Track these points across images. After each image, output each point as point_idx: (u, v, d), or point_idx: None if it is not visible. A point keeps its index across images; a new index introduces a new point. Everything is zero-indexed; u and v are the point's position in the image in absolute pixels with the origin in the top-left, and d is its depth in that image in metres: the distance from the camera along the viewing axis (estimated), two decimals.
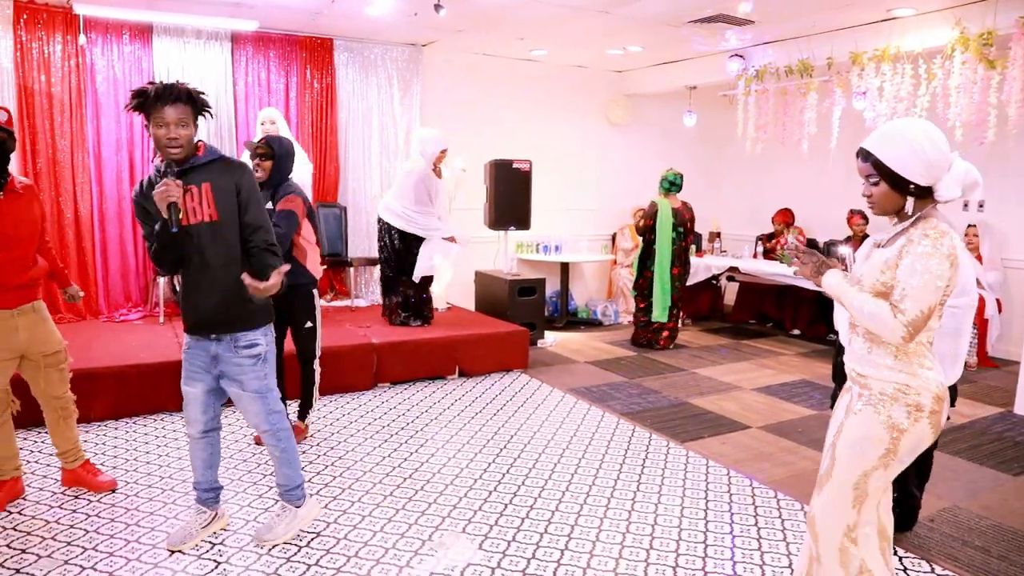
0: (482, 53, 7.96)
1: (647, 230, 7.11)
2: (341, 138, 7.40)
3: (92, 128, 6.37)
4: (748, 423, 4.94)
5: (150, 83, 2.74)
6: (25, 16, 6.05)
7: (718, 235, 8.94)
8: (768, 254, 8.16)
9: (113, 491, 3.60)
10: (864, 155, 2.16)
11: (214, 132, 6.79)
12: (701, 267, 8.03)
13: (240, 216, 2.88)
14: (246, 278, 2.73)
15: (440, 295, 7.11)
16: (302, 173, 5.75)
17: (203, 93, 2.82)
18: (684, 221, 7.05)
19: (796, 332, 7.89)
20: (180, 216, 2.72)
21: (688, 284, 7.90)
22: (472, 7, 6.05)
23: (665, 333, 7.17)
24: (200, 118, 2.83)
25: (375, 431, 4.62)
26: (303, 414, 4.41)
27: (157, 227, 2.76)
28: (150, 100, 2.69)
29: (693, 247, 8.53)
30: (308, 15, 6.41)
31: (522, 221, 7.32)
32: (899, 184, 2.11)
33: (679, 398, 5.49)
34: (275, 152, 4.01)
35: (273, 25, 6.80)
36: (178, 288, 3.01)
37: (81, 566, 2.92)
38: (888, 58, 6.06)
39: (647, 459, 4.22)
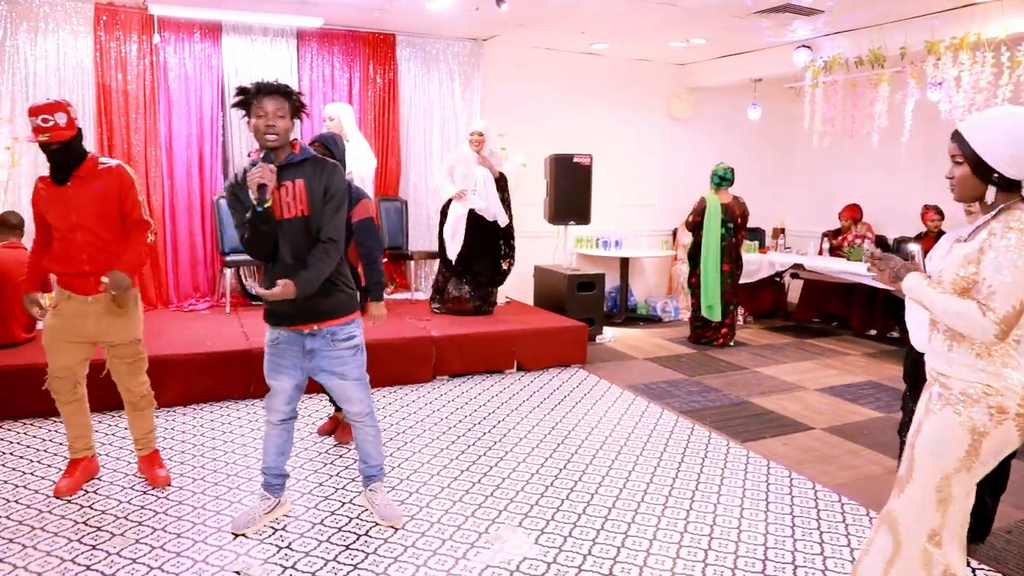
0: (543, 47, 7.94)
1: (695, 226, 7.01)
2: (403, 132, 7.48)
3: (164, 124, 6.58)
4: (811, 424, 4.82)
5: (251, 82, 2.91)
6: (104, 18, 6.28)
7: (782, 231, 8.74)
8: (834, 251, 7.93)
9: (166, 487, 3.61)
10: (956, 135, 2.08)
11: None
12: (764, 264, 7.86)
13: (320, 213, 2.98)
14: (258, 289, 2.88)
15: (499, 290, 7.12)
16: (365, 168, 5.83)
17: (301, 94, 2.98)
18: (734, 217, 6.93)
19: (872, 332, 7.63)
20: (269, 199, 2.82)
21: (750, 281, 7.78)
22: (534, 1, 6.03)
23: (723, 331, 7.05)
24: (295, 118, 2.95)
25: (433, 423, 4.67)
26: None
27: (248, 214, 2.85)
28: (251, 93, 2.85)
29: (756, 243, 8.39)
30: (371, 11, 6.49)
31: (582, 216, 7.28)
32: (981, 171, 2.02)
33: (740, 397, 5.40)
34: (335, 154, 3.97)
35: (337, 21, 6.91)
36: (259, 283, 3.10)
37: (151, 545, 3.03)
38: (967, 46, 5.81)
39: (706, 458, 4.16)
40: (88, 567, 2.86)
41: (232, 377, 4.97)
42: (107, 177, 3.31)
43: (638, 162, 8.72)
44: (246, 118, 2.91)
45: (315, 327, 3.02)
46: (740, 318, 7.99)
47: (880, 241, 7.72)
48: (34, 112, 3.19)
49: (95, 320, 3.35)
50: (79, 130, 3.27)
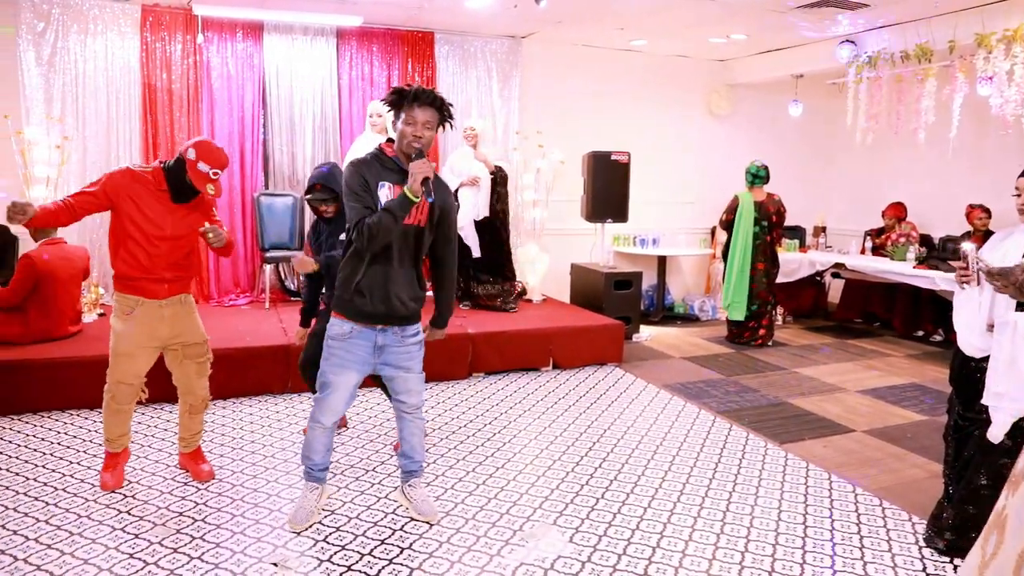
0: (581, 44, 7.91)
1: (728, 225, 6.94)
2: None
3: (207, 122, 6.69)
4: (852, 426, 4.73)
5: (407, 85, 2.96)
6: (151, 19, 6.42)
7: (823, 230, 8.60)
8: (877, 250, 7.78)
9: (209, 481, 3.66)
10: None
11: (319, 125, 7.02)
12: (804, 263, 7.74)
13: (435, 227, 3.08)
14: (428, 331, 3.23)
15: (535, 287, 7.13)
16: None
17: (451, 105, 3.02)
18: (768, 215, 6.83)
19: (919, 334, 7.46)
20: (430, 193, 2.88)
21: (789, 280, 7.66)
22: None
23: (761, 331, 6.96)
24: (440, 128, 3.01)
25: (469, 420, 4.68)
26: None
27: (391, 203, 2.85)
28: (407, 98, 2.89)
29: (795, 242, 8.27)
30: (410, 9, 6.52)
31: (619, 213, 7.24)
32: None
33: (778, 397, 5.32)
34: (337, 192, 3.87)
35: (376, 20, 6.96)
36: (337, 277, 3.08)
37: (191, 535, 3.08)
38: (1020, 39, 5.64)
39: (743, 459, 4.11)
40: (131, 555, 2.92)
41: (271, 372, 5.05)
42: (201, 199, 3.41)
43: (676, 159, 8.64)
44: (392, 116, 2.96)
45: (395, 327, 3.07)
46: (779, 318, 7.88)
47: (925, 240, 7.55)
48: (212, 160, 3.24)
49: (169, 323, 3.40)
50: None
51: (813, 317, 8.37)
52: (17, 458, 3.88)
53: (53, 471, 3.73)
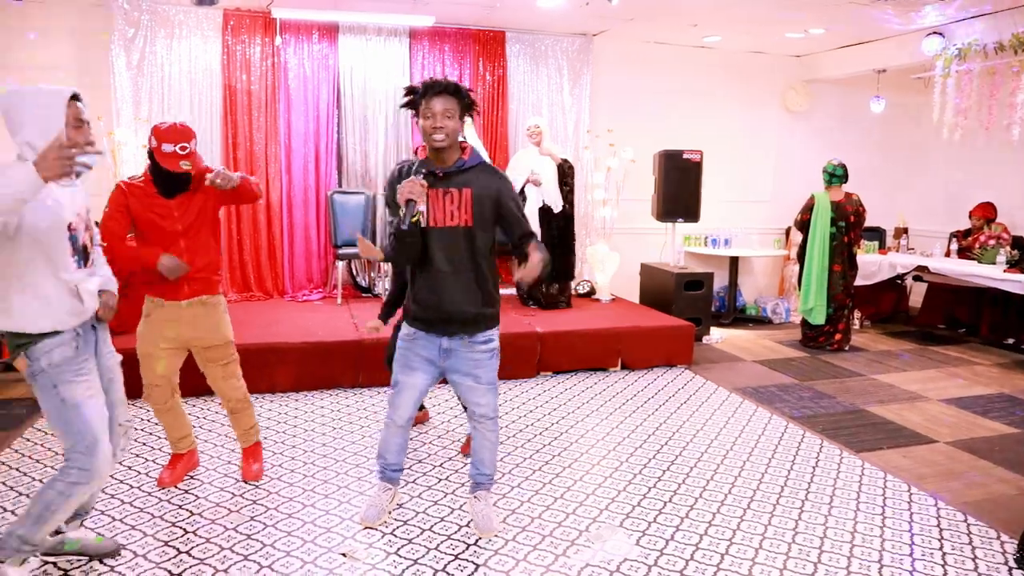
0: (652, 41, 7.81)
1: (804, 225, 6.74)
2: (511, 129, 7.53)
3: (284, 122, 6.88)
4: (934, 437, 4.54)
5: (420, 81, 2.86)
6: (232, 22, 6.63)
7: (905, 231, 8.27)
8: (963, 252, 7.44)
9: (256, 481, 3.63)
10: None
11: (391, 124, 7.13)
12: (884, 265, 7.46)
13: (498, 222, 2.95)
14: (515, 271, 2.85)
15: (604, 286, 7.09)
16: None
17: (471, 90, 2.89)
18: (846, 215, 6.61)
19: (1010, 341, 7.09)
20: (415, 217, 2.76)
21: (868, 283, 7.41)
22: None
23: (837, 336, 6.75)
24: (467, 117, 2.88)
25: (536, 419, 4.68)
26: None
27: (393, 222, 2.80)
28: (419, 93, 2.81)
29: (875, 243, 7.99)
30: (482, 9, 6.56)
31: (691, 213, 7.12)
32: None
33: (855, 404, 5.14)
34: None
35: (449, 20, 7.02)
36: (404, 282, 3.06)
37: (264, 523, 3.17)
38: None
39: (817, 467, 3.99)
40: (207, 540, 3.02)
41: (342, 366, 5.15)
42: (209, 189, 3.30)
43: (750, 158, 8.45)
44: (415, 118, 2.87)
45: (460, 335, 2.99)
46: (856, 322, 7.63)
47: (1017, 242, 7.18)
48: (169, 137, 3.14)
49: (189, 324, 3.35)
50: None
51: (893, 322, 8.06)
52: None
53: (119, 463, 3.90)
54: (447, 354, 3.01)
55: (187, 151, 3.16)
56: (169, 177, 3.22)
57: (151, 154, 3.20)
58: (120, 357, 2.83)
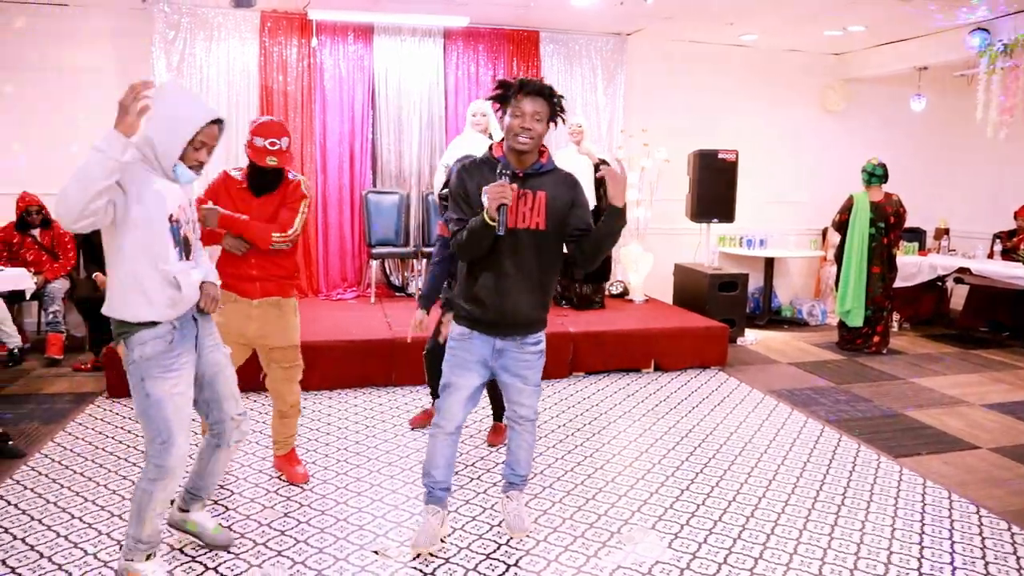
0: (688, 40, 7.75)
1: (842, 226, 6.63)
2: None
3: (319, 122, 6.95)
4: (976, 443, 4.43)
5: (513, 77, 2.79)
6: (269, 24, 6.72)
7: (946, 232, 8.10)
8: (1008, 254, 7.26)
9: (304, 484, 3.63)
10: None
11: (425, 125, 7.16)
12: (924, 267, 7.32)
13: (567, 225, 2.87)
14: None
15: (637, 287, 7.05)
16: None
17: (562, 96, 2.81)
18: (886, 216, 6.49)
19: None
20: (506, 219, 2.67)
21: (907, 285, 7.27)
22: None
23: (876, 338, 6.63)
24: (552, 123, 2.81)
25: (568, 419, 4.67)
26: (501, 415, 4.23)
27: (474, 222, 2.69)
28: (512, 90, 2.73)
29: (915, 244, 7.84)
30: (517, 8, 6.56)
31: (726, 213, 7.06)
32: None
33: (893, 409, 5.05)
34: None
35: (483, 20, 7.03)
36: (458, 280, 2.95)
37: (297, 520, 3.21)
38: None
39: (854, 472, 3.92)
40: (241, 535, 3.06)
41: (375, 365, 5.19)
42: (287, 188, 3.36)
43: (787, 158, 8.34)
44: (499, 112, 2.79)
45: (514, 336, 2.90)
46: (895, 324, 7.49)
47: None
48: (261, 132, 3.21)
49: (258, 323, 3.38)
50: None
51: (933, 324, 7.90)
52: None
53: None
54: (499, 354, 2.92)
55: (276, 147, 3.23)
56: (257, 171, 3.30)
57: (247, 147, 3.29)
58: (228, 349, 2.87)
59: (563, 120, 2.88)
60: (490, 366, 2.94)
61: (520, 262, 2.81)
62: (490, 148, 2.90)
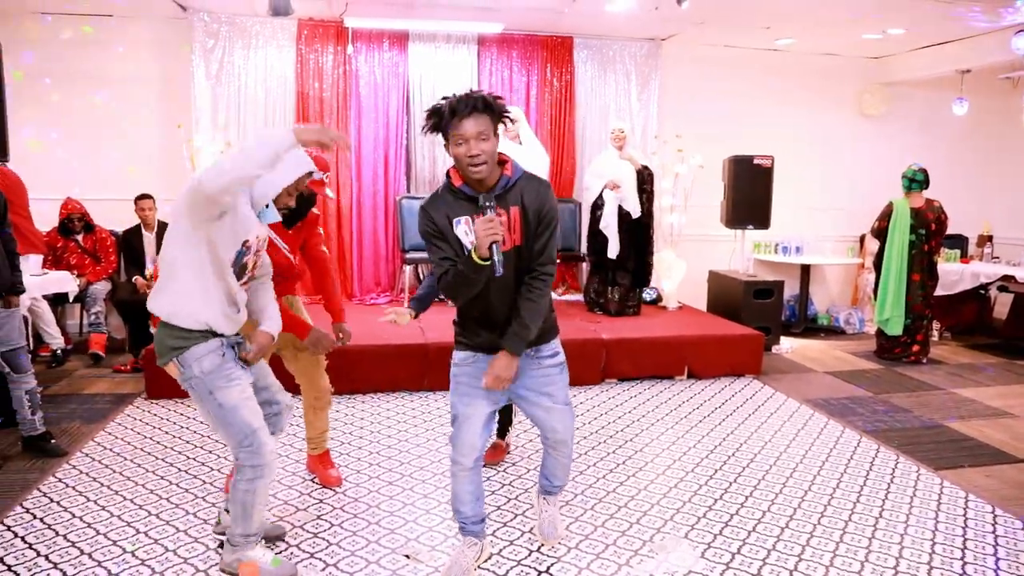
0: (722, 45, 7.69)
1: (881, 233, 6.51)
2: (578, 135, 7.52)
3: (354, 128, 7.02)
4: (1021, 456, 4.31)
5: (444, 99, 2.46)
6: (306, 32, 6.82)
7: (989, 239, 7.92)
8: None
9: (338, 486, 3.67)
10: None
11: None
12: (966, 274, 7.16)
13: (533, 239, 2.58)
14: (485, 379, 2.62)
15: (671, 293, 7.00)
16: (539, 169, 5.92)
17: (500, 98, 2.49)
18: (927, 222, 6.36)
19: None
20: (498, 257, 2.42)
21: (948, 293, 7.12)
22: None
23: (915, 347, 6.50)
24: (500, 127, 2.51)
25: (600, 426, 4.65)
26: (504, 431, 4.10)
27: (463, 265, 2.47)
28: (445, 117, 2.42)
29: (956, 251, 7.68)
30: (551, 15, 6.57)
31: (761, 220, 6.98)
32: None
33: (933, 420, 4.94)
34: None
35: (517, 26, 7.05)
36: (457, 321, 2.78)
37: (329, 522, 3.23)
38: None
39: (892, 484, 3.84)
40: (275, 537, 3.09)
41: (408, 369, 5.22)
42: (309, 218, 3.42)
43: (824, 163, 8.23)
44: (444, 143, 2.50)
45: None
46: (935, 333, 7.34)
47: None
48: (323, 166, 3.20)
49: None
50: None
51: (975, 334, 7.72)
52: (179, 438, 4.23)
53: (208, 453, 4.02)
54: (516, 375, 2.69)
55: (327, 181, 3.32)
56: (301, 202, 3.27)
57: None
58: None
59: (510, 119, 2.59)
60: (502, 391, 2.72)
61: (503, 285, 2.56)
62: (447, 175, 2.59)
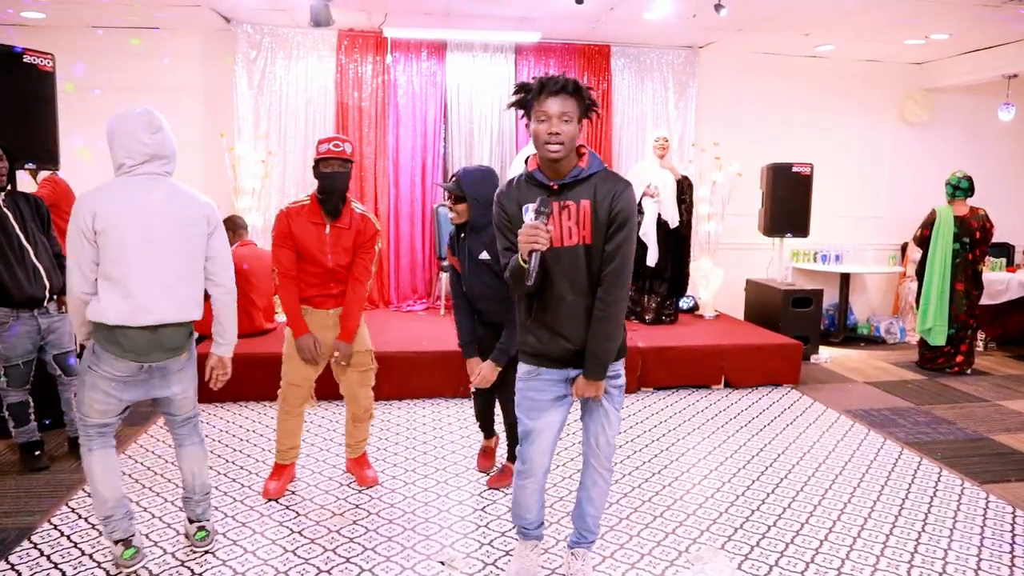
0: (761, 52, 7.63)
1: (924, 241, 6.39)
2: (615, 143, 7.51)
3: (392, 137, 7.10)
4: None
5: (534, 78, 2.46)
6: (346, 42, 6.93)
7: None
8: None
9: (373, 486, 3.73)
10: None
11: (496, 139, 7.23)
12: (1012, 284, 6.99)
13: (604, 240, 2.46)
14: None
15: (708, 302, 6.95)
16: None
17: (591, 88, 2.46)
18: (971, 231, 6.22)
19: None
20: (536, 271, 2.36)
21: (994, 303, 6.96)
22: (755, 4, 5.82)
23: (959, 358, 6.36)
24: (586, 119, 2.47)
25: (636, 435, 4.63)
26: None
27: (511, 265, 2.42)
28: (532, 92, 2.42)
29: (1002, 260, 7.51)
30: (588, 23, 6.58)
31: (800, 228, 6.90)
32: None
33: (978, 432, 4.83)
34: (466, 193, 3.40)
35: (554, 35, 7.08)
36: (524, 318, 2.63)
37: (364, 527, 3.27)
38: None
39: (935, 497, 3.76)
40: (312, 540, 3.14)
41: (444, 376, 5.25)
42: (360, 225, 3.50)
43: (864, 171, 8.11)
44: (524, 119, 2.49)
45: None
46: (980, 344, 7.17)
47: None
48: (324, 140, 3.44)
49: (335, 330, 3.52)
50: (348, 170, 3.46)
51: (1021, 344, 7.53)
52: (219, 441, 4.30)
53: (234, 465, 4.09)
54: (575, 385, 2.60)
55: (340, 148, 3.40)
56: (324, 189, 3.41)
57: (315, 168, 3.43)
58: None
59: (597, 114, 2.53)
60: (570, 395, 2.63)
61: (575, 286, 2.48)
62: (525, 162, 2.58)
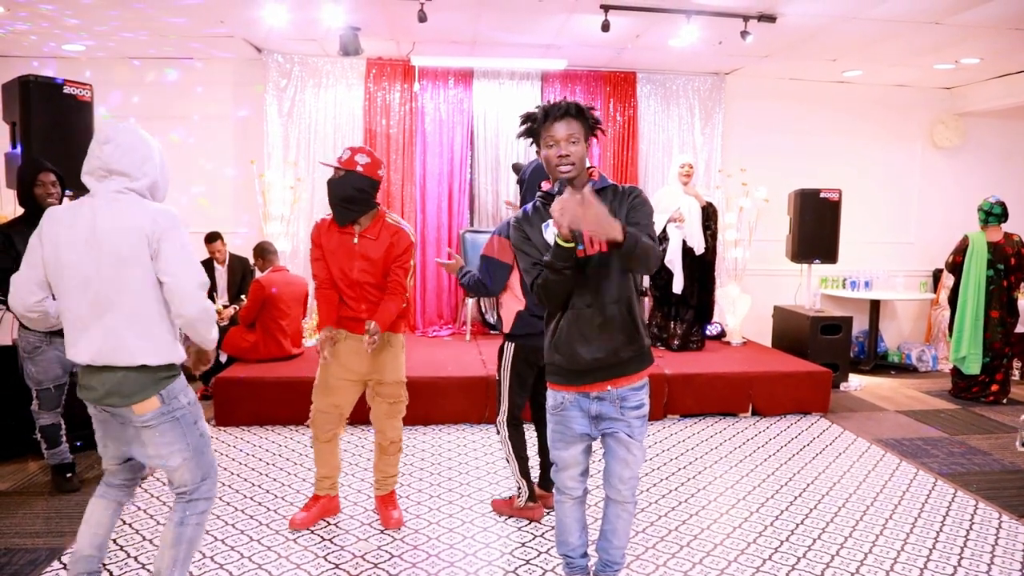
0: (788, 78, 7.62)
1: (956, 267, 6.29)
2: (641, 169, 7.53)
3: (419, 163, 7.18)
4: None
5: (537, 107, 2.59)
6: (374, 71, 7.04)
7: None
8: None
9: (398, 529, 3.58)
10: None
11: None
12: None
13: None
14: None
15: (735, 329, 6.89)
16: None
17: (593, 108, 2.58)
18: (1006, 257, 6.12)
19: None
20: (581, 239, 2.41)
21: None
22: (781, 31, 5.83)
23: (994, 387, 6.22)
24: (592, 138, 2.58)
25: (662, 463, 4.58)
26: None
27: (549, 256, 2.40)
28: (538, 121, 2.55)
29: None
30: (614, 51, 6.63)
31: (828, 254, 6.84)
32: None
33: (1015, 464, 4.71)
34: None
35: (580, 63, 7.14)
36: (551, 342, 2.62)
37: (390, 553, 3.26)
38: None
39: (971, 531, 3.67)
40: (335, 565, 3.13)
41: (470, 402, 5.25)
42: (393, 237, 3.40)
43: (894, 196, 8.03)
44: (534, 147, 2.60)
45: (608, 387, 2.55)
46: (1016, 372, 7.02)
47: None
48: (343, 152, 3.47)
49: (371, 358, 3.43)
50: (374, 181, 3.40)
51: None
52: (245, 465, 4.33)
53: (266, 491, 4.11)
54: (597, 420, 2.62)
55: (339, 155, 3.44)
56: (328, 188, 3.41)
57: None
58: None
59: (602, 131, 2.62)
60: (593, 432, 2.65)
61: (597, 295, 2.50)
62: (539, 187, 2.69)
